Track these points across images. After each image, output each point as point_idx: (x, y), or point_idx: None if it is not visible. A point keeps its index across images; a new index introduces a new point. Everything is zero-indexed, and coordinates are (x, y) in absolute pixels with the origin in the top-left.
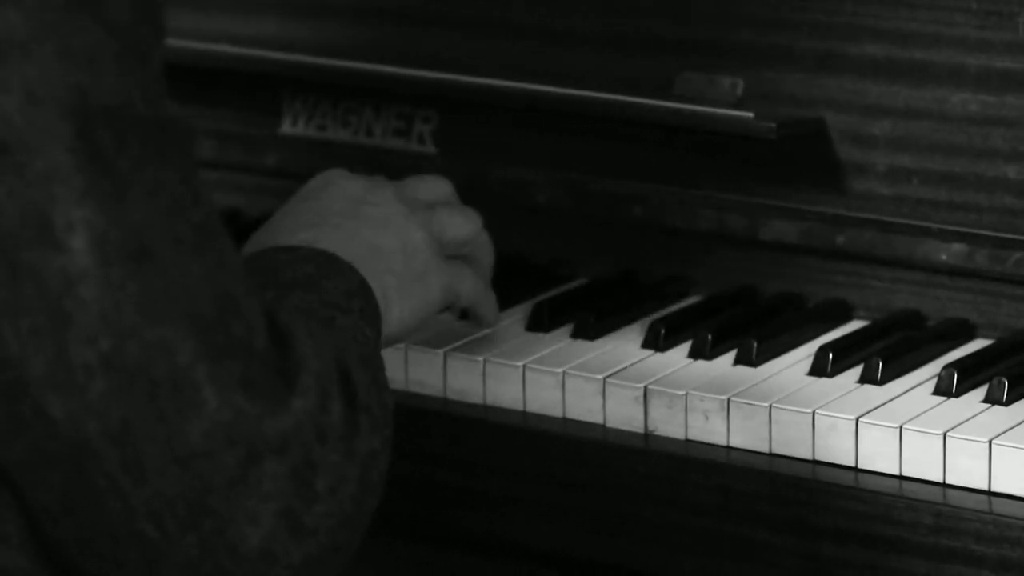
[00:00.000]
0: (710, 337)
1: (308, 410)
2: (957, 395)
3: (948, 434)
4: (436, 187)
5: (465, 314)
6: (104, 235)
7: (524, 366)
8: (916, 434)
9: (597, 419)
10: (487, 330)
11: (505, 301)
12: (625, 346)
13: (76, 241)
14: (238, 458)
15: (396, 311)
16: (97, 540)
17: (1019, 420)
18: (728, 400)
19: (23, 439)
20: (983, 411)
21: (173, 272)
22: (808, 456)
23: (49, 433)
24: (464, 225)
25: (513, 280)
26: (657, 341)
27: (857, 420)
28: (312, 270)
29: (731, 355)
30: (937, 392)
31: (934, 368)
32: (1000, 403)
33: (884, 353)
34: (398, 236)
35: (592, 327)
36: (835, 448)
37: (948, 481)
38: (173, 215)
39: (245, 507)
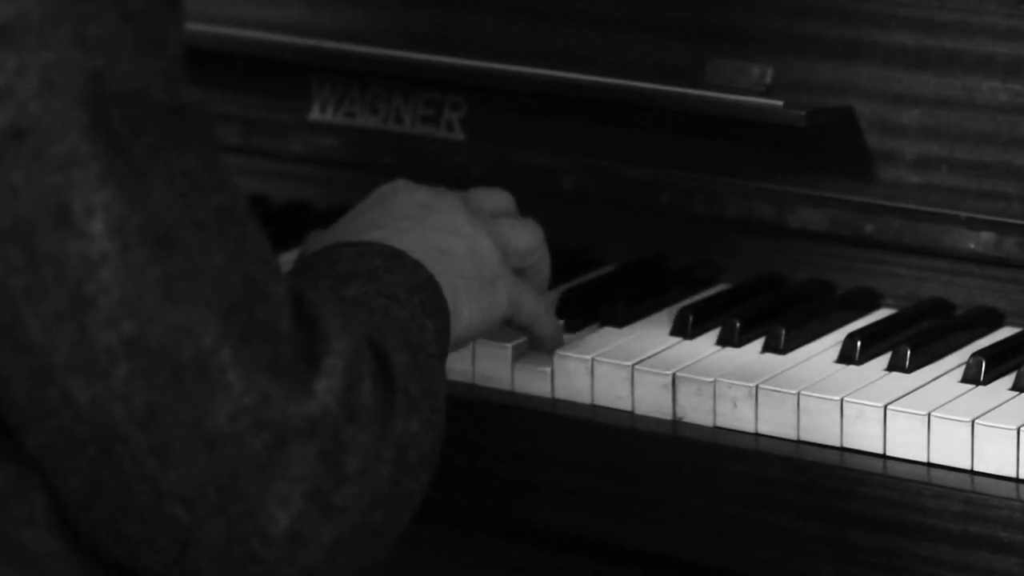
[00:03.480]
0: (738, 324)
1: (335, 391)
2: (985, 383)
3: (976, 421)
4: (498, 199)
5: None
6: (123, 220)
7: (553, 353)
8: (944, 421)
9: (625, 406)
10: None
11: None
12: (653, 333)
13: (95, 226)
14: (265, 442)
15: (466, 312)
16: (127, 525)
17: None
18: (756, 387)
19: (50, 424)
20: (1011, 399)
21: (195, 256)
22: (836, 443)
23: (75, 418)
24: (527, 237)
25: None
26: (685, 328)
27: (885, 408)
28: (378, 263)
29: (759, 342)
30: (965, 380)
31: (962, 356)
32: None
33: (912, 341)
34: (466, 242)
35: (620, 314)
36: (863, 435)
37: (976, 468)
38: (193, 200)
39: (274, 489)
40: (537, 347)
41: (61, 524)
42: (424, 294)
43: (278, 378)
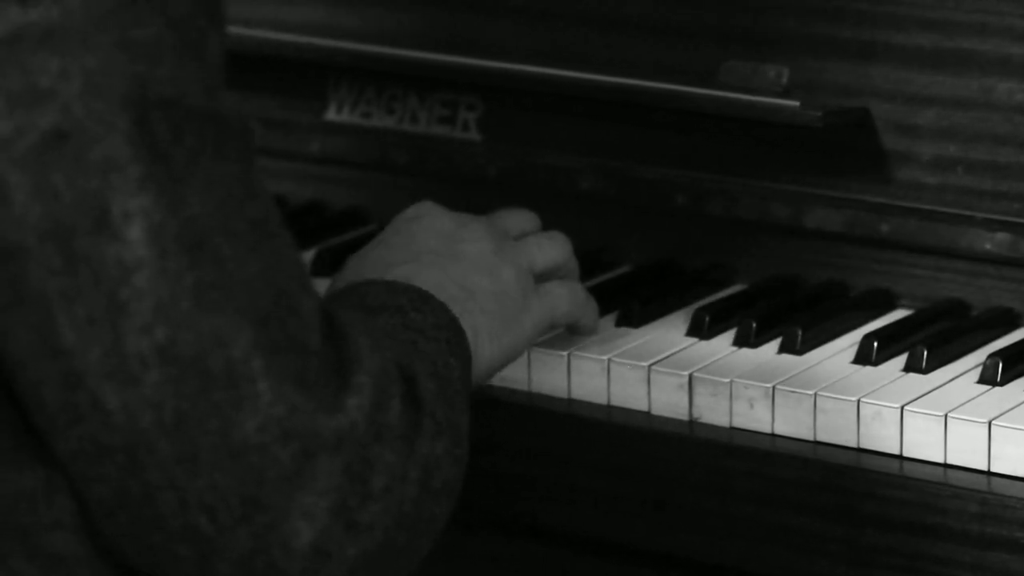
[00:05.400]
0: (754, 325)
1: (363, 408)
2: (1002, 383)
3: (993, 422)
4: (523, 219)
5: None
6: (161, 226)
7: (569, 354)
8: (961, 422)
9: (642, 406)
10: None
11: None
12: (669, 334)
13: (133, 231)
14: (292, 453)
15: (487, 352)
16: (151, 534)
17: None
18: (773, 388)
19: (79, 430)
20: None
21: (229, 265)
22: (853, 444)
23: (104, 424)
24: (554, 252)
25: None
26: (702, 329)
27: (902, 408)
28: (404, 301)
29: (775, 343)
30: (982, 380)
31: (979, 357)
32: None
33: (929, 342)
34: (491, 276)
35: (636, 314)
36: (880, 436)
37: (993, 469)
38: (229, 209)
39: (299, 502)
40: (577, 333)
41: (88, 528)
42: (448, 333)
43: (307, 391)
